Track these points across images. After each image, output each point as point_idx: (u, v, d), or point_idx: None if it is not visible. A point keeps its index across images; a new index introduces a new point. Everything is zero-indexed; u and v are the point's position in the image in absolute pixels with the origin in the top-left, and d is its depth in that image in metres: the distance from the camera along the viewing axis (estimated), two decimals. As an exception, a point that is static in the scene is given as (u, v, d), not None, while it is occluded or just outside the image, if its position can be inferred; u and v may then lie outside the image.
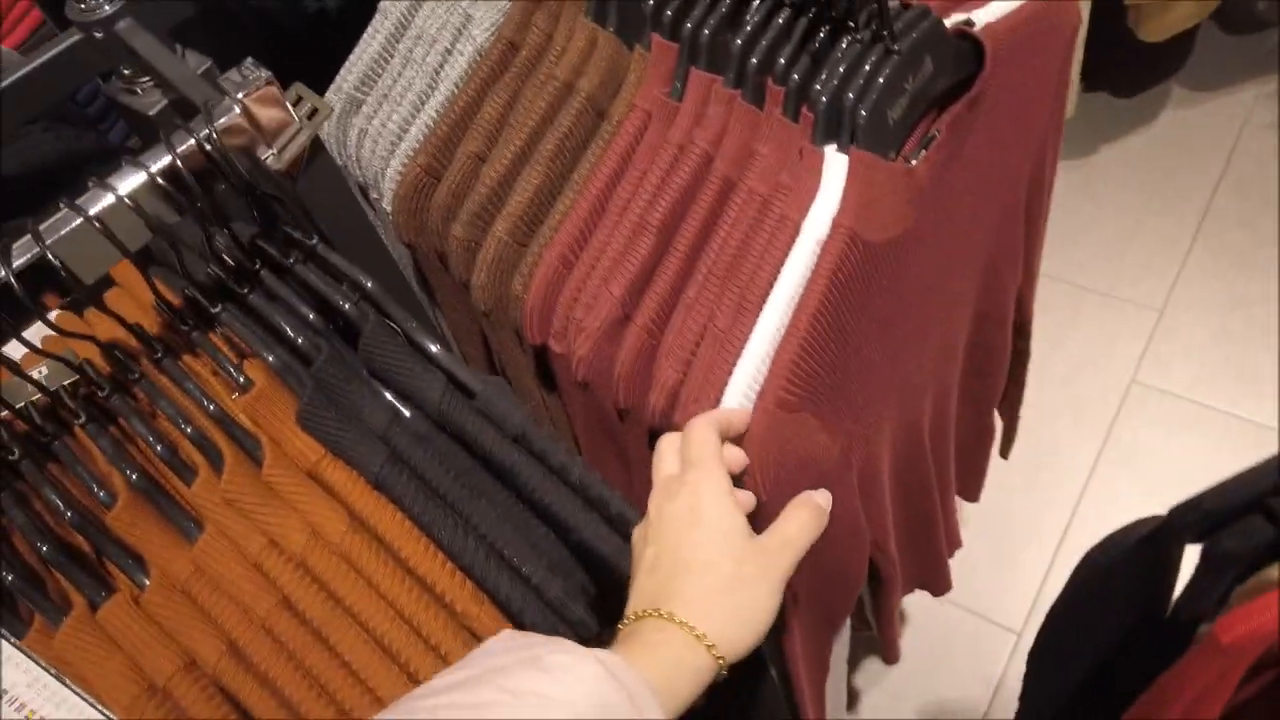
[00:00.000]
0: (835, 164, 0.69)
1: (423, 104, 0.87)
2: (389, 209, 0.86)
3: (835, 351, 0.71)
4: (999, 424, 1.27)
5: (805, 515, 0.60)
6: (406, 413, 0.67)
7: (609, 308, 0.73)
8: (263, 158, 0.63)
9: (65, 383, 0.67)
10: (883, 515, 0.90)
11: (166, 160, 0.58)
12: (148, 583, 0.64)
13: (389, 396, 0.67)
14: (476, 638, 0.63)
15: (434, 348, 0.67)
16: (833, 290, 0.68)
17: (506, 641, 0.52)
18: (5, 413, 0.69)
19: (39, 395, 0.68)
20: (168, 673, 0.62)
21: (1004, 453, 1.36)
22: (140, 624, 0.63)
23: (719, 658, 0.53)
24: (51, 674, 0.62)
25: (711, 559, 0.55)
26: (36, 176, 0.91)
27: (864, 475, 0.82)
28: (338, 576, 0.64)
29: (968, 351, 1.03)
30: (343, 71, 0.92)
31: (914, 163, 0.74)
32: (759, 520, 0.62)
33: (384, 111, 0.89)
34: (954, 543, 1.21)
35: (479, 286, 0.78)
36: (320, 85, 0.92)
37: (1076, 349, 1.91)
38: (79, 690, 0.62)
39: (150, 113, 0.82)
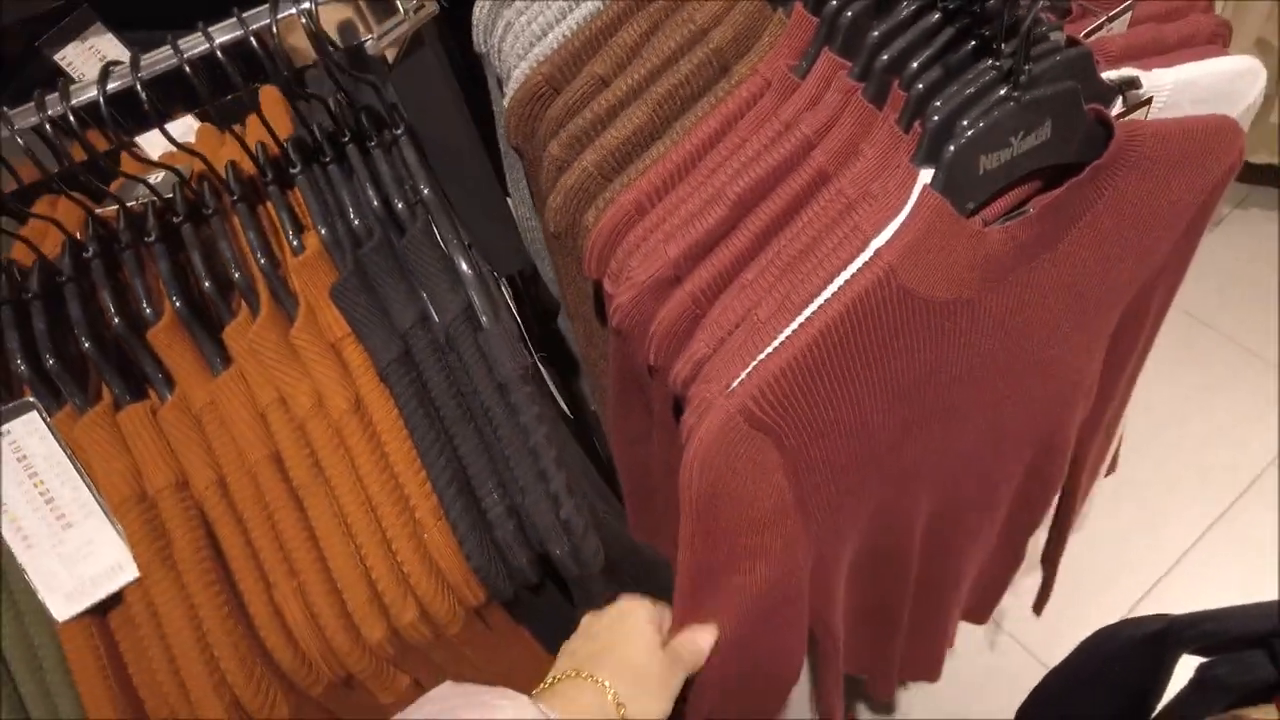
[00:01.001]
0: (919, 191, 0.65)
1: (570, 10, 0.86)
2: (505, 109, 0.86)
3: (827, 390, 0.67)
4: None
5: (694, 649, 0.66)
6: (436, 318, 0.69)
7: (660, 266, 0.72)
8: (361, 40, 0.64)
9: (152, 199, 0.72)
10: (832, 587, 0.85)
11: (265, 22, 0.60)
12: (169, 398, 0.70)
13: (425, 298, 0.69)
14: (425, 548, 0.66)
15: (466, 269, 0.68)
16: (846, 321, 0.64)
17: (450, 689, 0.58)
18: (105, 210, 0.75)
19: (134, 203, 0.73)
20: (159, 485, 0.68)
21: (1037, 610, 1.30)
22: (151, 433, 0.69)
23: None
24: (68, 454, 0.69)
25: (631, 648, 0.65)
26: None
27: (823, 540, 0.77)
28: (328, 449, 0.68)
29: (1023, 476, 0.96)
30: (507, -42, 0.91)
31: (988, 228, 0.68)
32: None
33: (533, 10, 0.89)
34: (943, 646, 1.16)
35: (553, 209, 0.78)
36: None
37: (1224, 413, 1.77)
38: (85, 476, 0.68)
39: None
